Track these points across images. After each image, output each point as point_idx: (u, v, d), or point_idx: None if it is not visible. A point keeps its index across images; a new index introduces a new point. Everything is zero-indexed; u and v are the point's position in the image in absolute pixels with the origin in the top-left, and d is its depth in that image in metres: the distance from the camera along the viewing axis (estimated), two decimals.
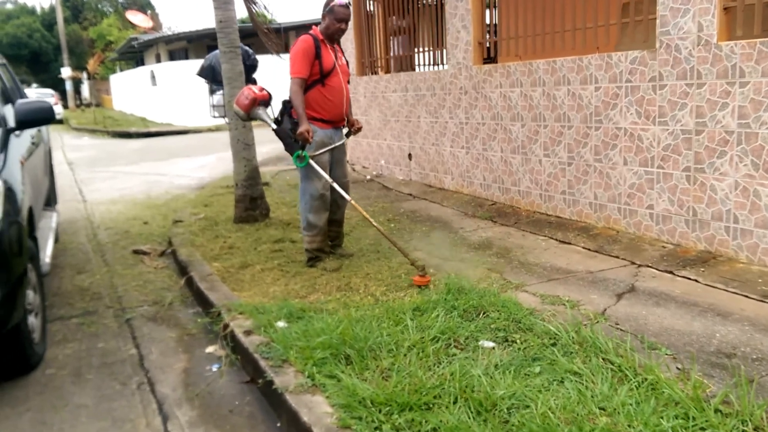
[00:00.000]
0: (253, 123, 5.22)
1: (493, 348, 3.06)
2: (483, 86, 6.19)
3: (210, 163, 12.36)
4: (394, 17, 8.84)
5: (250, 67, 7.31)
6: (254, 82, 8.10)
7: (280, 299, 3.92)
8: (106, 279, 4.94)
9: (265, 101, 4.60)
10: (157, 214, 7.45)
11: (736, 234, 3.98)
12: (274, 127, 4.51)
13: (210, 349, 3.58)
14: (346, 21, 4.36)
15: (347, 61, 4.61)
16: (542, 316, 3.34)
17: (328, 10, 4.34)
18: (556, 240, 4.89)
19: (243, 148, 5.90)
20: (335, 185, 4.40)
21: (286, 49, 7.36)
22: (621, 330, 3.15)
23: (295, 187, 8.14)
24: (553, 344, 2.99)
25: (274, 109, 4.69)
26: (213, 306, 3.91)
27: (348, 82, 4.53)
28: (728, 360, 2.79)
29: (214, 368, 3.34)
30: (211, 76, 7.75)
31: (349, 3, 4.38)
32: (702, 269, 3.94)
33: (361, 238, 5.27)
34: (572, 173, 5.24)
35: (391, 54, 8.47)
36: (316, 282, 4.22)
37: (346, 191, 4.73)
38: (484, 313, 3.41)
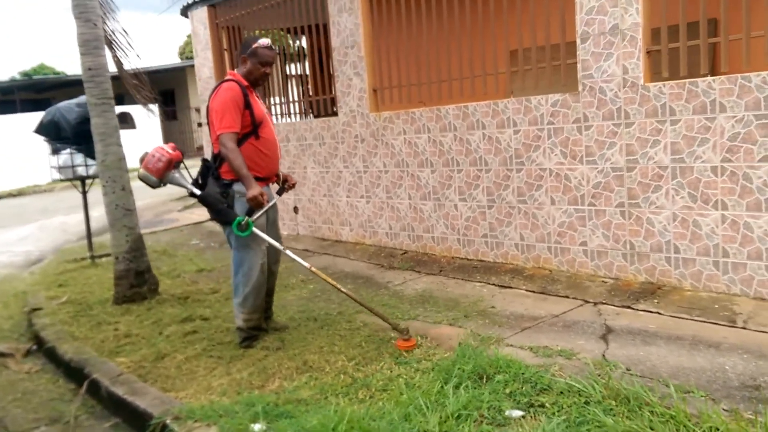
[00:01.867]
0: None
1: (524, 416, 2.75)
2: (383, 133, 5.98)
3: (31, 234, 10.62)
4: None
5: None
6: None
7: (234, 394, 3.24)
8: None
9: (179, 162, 3.90)
10: None
11: (678, 263, 4.14)
12: (197, 192, 3.81)
13: None
14: (271, 64, 3.89)
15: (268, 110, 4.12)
16: (551, 371, 3.10)
17: (250, 53, 3.82)
18: (495, 285, 4.75)
19: (123, 214, 5.00)
20: (289, 253, 3.80)
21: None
22: (637, 376, 3.01)
23: (164, 253, 7.22)
24: (586, 403, 2.75)
25: (191, 170, 4.01)
26: (148, 415, 3.10)
27: None
28: (759, 392, 2.77)
29: None
30: (54, 133, 6.58)
31: (272, 45, 3.91)
32: (655, 300, 4.02)
33: (284, 305, 4.66)
34: (494, 216, 5.18)
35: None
36: (265, 366, 3.57)
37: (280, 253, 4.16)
38: (487, 378, 3.08)
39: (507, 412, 2.77)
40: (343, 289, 3.64)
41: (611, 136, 4.35)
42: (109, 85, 4.93)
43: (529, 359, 3.29)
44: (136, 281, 5.02)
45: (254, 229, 3.63)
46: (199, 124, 25.55)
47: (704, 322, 3.63)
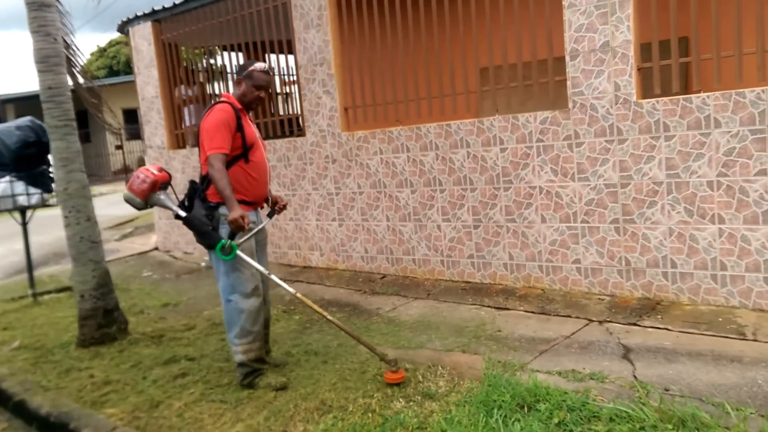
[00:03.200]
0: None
1: None
2: (357, 153, 5.81)
3: None
4: (182, 86, 8.02)
5: (47, 144, 5.88)
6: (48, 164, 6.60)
7: None
8: None
9: (165, 183, 3.66)
10: None
11: (676, 278, 4.21)
12: (183, 214, 3.56)
13: None
14: (266, 89, 3.70)
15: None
16: (591, 397, 3.03)
17: (246, 75, 3.63)
18: (490, 307, 4.66)
19: (89, 247, 4.55)
20: (274, 278, 3.58)
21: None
22: (678, 396, 2.99)
23: (117, 288, 6.57)
24: (642, 428, 2.69)
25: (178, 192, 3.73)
26: None
27: None
28: None
29: None
30: None
31: (269, 69, 3.71)
32: (659, 316, 4.06)
33: (275, 339, 4.36)
34: (480, 236, 5.11)
35: (186, 124, 7.76)
36: (279, 408, 3.30)
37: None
38: (528, 407, 2.97)
39: None
40: (330, 317, 3.46)
41: (604, 152, 4.39)
42: (71, 105, 4.50)
43: (563, 384, 3.21)
44: (105, 321, 4.57)
45: (238, 253, 3.41)
46: (117, 147, 24.23)
47: (715, 336, 3.68)
